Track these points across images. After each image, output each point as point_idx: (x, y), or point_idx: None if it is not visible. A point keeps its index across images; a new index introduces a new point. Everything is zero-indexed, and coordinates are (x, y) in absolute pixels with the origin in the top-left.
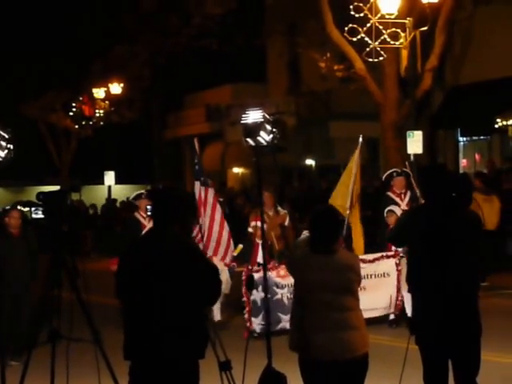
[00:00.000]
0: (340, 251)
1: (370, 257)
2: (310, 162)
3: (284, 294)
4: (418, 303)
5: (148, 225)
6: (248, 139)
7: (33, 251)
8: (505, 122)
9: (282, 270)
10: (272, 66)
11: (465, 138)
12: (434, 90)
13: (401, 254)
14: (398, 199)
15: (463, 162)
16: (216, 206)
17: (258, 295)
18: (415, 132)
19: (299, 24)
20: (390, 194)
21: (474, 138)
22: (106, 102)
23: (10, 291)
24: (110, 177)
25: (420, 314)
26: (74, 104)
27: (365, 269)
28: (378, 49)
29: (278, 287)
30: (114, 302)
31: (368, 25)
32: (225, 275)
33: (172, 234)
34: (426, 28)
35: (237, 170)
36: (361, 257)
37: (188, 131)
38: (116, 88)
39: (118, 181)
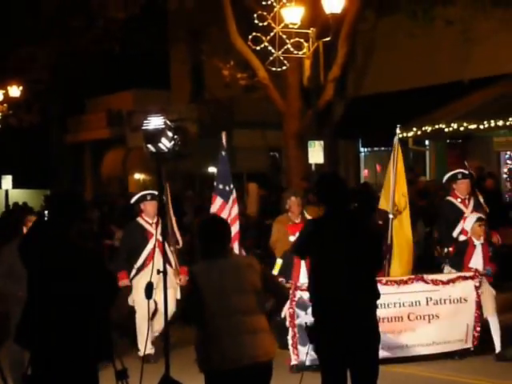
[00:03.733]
0: (235, 254)
1: (444, 278)
2: (212, 169)
3: None
4: (318, 313)
5: (155, 232)
6: (149, 145)
7: None
8: (405, 134)
9: None
10: (175, 72)
11: (366, 149)
12: (336, 101)
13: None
14: (461, 206)
15: (364, 172)
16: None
17: (306, 318)
18: (317, 142)
19: (203, 31)
20: (451, 199)
21: (375, 148)
22: (4, 104)
23: None
24: (7, 181)
25: (319, 324)
26: None
27: (437, 292)
28: (282, 58)
29: None
30: None
31: (271, 34)
32: None
33: (66, 236)
34: (328, 38)
35: (138, 176)
36: (432, 277)
37: (89, 136)
38: (15, 91)
39: (16, 185)
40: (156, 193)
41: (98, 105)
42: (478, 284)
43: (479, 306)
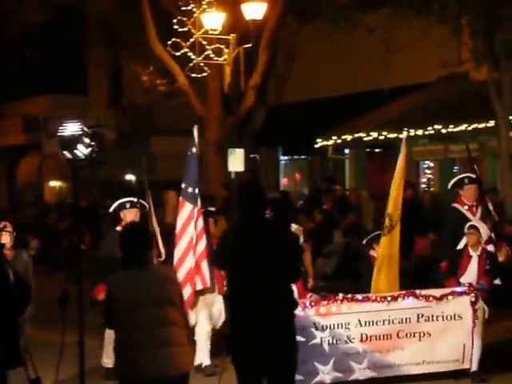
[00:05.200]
0: (154, 264)
1: (437, 293)
2: (130, 176)
3: (324, 339)
4: (235, 322)
5: None
6: (65, 152)
7: None
8: (325, 142)
9: (323, 307)
10: (93, 77)
11: (286, 157)
12: (256, 108)
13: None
14: (468, 213)
15: (284, 180)
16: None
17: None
18: (237, 149)
19: (122, 36)
20: (457, 205)
21: (295, 157)
22: None
23: None
24: None
25: (236, 334)
26: None
27: (429, 309)
28: (202, 64)
29: (316, 329)
30: None
31: (191, 40)
32: (218, 305)
33: None
34: (249, 45)
35: (54, 183)
36: (425, 293)
37: (4, 142)
38: None
39: None
40: (135, 200)
41: (14, 110)
42: (473, 299)
43: (475, 324)
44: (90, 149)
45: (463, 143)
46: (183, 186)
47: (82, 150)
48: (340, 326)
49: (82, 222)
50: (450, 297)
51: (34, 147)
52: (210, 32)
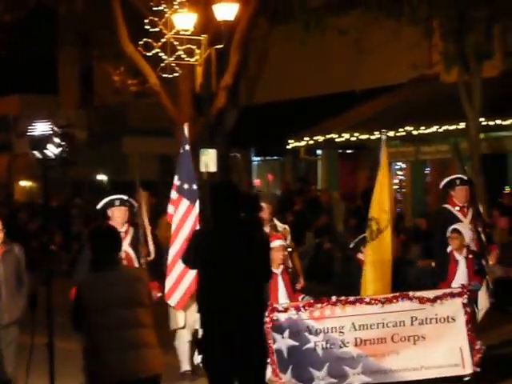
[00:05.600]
0: (123, 266)
1: (430, 294)
2: (101, 177)
3: (318, 343)
4: (207, 324)
5: (124, 242)
6: (35, 152)
7: None
8: (297, 143)
9: (317, 310)
10: (64, 77)
11: (258, 158)
12: (228, 109)
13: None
14: (459, 214)
15: (256, 181)
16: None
17: (283, 342)
18: (209, 150)
19: (93, 35)
20: (448, 207)
21: (268, 158)
22: None
23: None
24: None
25: (211, 334)
26: None
27: (423, 311)
28: (173, 65)
29: (310, 333)
30: None
31: (163, 40)
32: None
33: None
34: (221, 46)
35: (24, 183)
36: (419, 294)
37: None
38: None
39: None
40: (125, 198)
41: None
42: (466, 301)
43: (470, 327)
44: (60, 148)
45: (451, 143)
46: (178, 183)
47: (52, 150)
48: (334, 330)
49: (52, 222)
50: (443, 298)
51: (4, 147)
52: (182, 32)
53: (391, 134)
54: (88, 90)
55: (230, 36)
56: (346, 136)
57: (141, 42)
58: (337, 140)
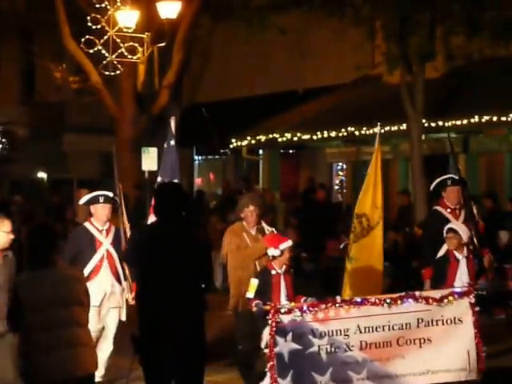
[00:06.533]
0: (61, 265)
1: (437, 294)
2: (41, 174)
3: (322, 347)
4: (144, 323)
5: (105, 241)
6: None
7: None
8: (239, 143)
9: (321, 312)
10: (4, 73)
11: (200, 157)
12: (170, 107)
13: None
14: (451, 216)
15: (197, 180)
16: None
17: (285, 346)
18: (150, 148)
19: (34, 31)
20: (439, 208)
21: (210, 157)
22: None
23: None
24: None
25: (150, 333)
26: None
27: (429, 312)
28: (115, 62)
29: (314, 336)
30: None
31: (105, 37)
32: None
33: None
34: (163, 44)
35: None
36: (425, 294)
37: None
38: None
39: None
40: (110, 195)
41: None
42: (473, 301)
43: (478, 327)
44: (0, 146)
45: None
46: (159, 179)
47: None
48: (339, 333)
49: None
50: (450, 297)
51: None
52: (124, 30)
53: (333, 134)
54: (29, 86)
55: (173, 34)
56: (288, 136)
57: (83, 39)
58: (279, 140)
